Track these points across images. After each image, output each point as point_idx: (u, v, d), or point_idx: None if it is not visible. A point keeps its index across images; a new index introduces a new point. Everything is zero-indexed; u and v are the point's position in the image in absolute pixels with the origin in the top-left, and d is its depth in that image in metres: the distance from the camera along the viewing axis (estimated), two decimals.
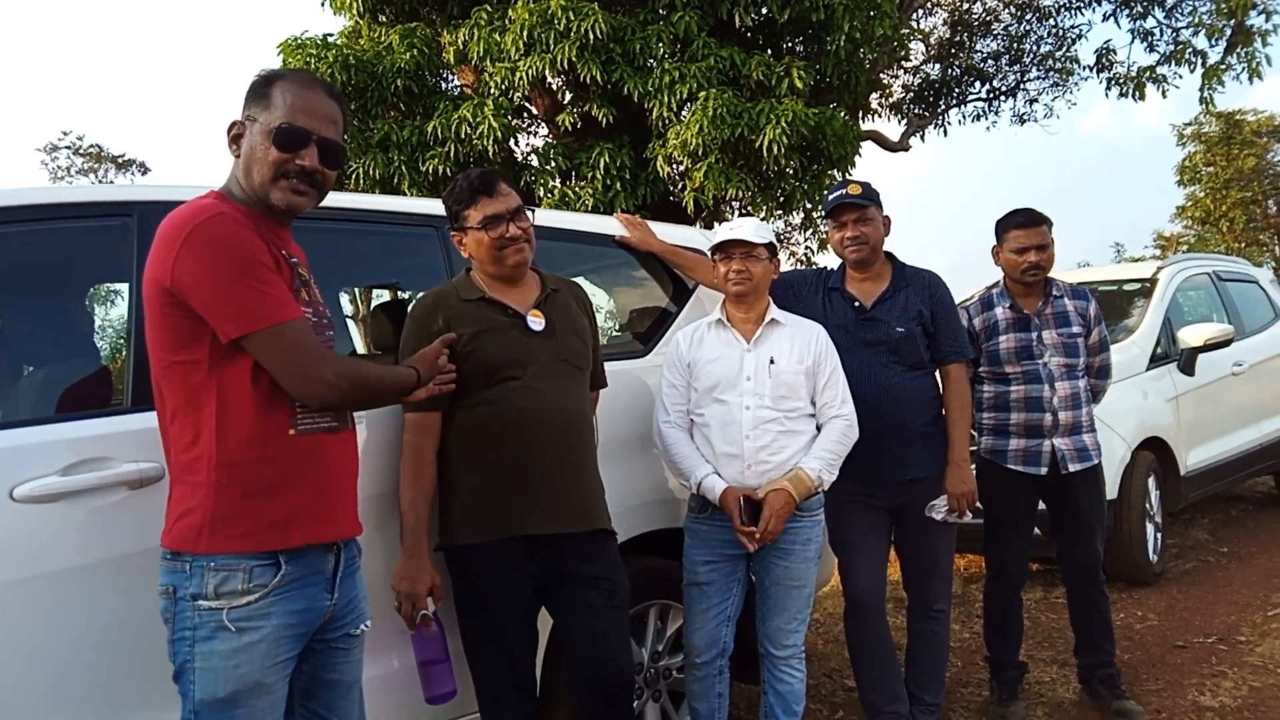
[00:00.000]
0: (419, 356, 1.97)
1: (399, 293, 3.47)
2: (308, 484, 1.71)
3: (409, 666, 2.24)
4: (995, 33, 13.16)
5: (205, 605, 1.64)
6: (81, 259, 2.36)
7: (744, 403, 2.67)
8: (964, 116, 13.37)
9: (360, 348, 5.35)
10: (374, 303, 7.66)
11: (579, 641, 2.33)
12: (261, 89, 1.75)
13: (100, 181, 22.36)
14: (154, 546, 1.76)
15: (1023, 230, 3.30)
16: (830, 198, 3.02)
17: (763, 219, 8.53)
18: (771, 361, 2.70)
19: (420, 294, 2.49)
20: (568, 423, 2.37)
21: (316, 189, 1.77)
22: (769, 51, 8.43)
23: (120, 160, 24.87)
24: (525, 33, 7.58)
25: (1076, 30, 12.69)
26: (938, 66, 13.18)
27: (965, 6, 13.21)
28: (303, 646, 1.75)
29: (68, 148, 24.55)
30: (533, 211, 2.44)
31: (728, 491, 2.64)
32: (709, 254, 2.87)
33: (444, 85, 9.51)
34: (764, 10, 8.15)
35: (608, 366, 2.68)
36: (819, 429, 2.75)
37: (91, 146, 24.75)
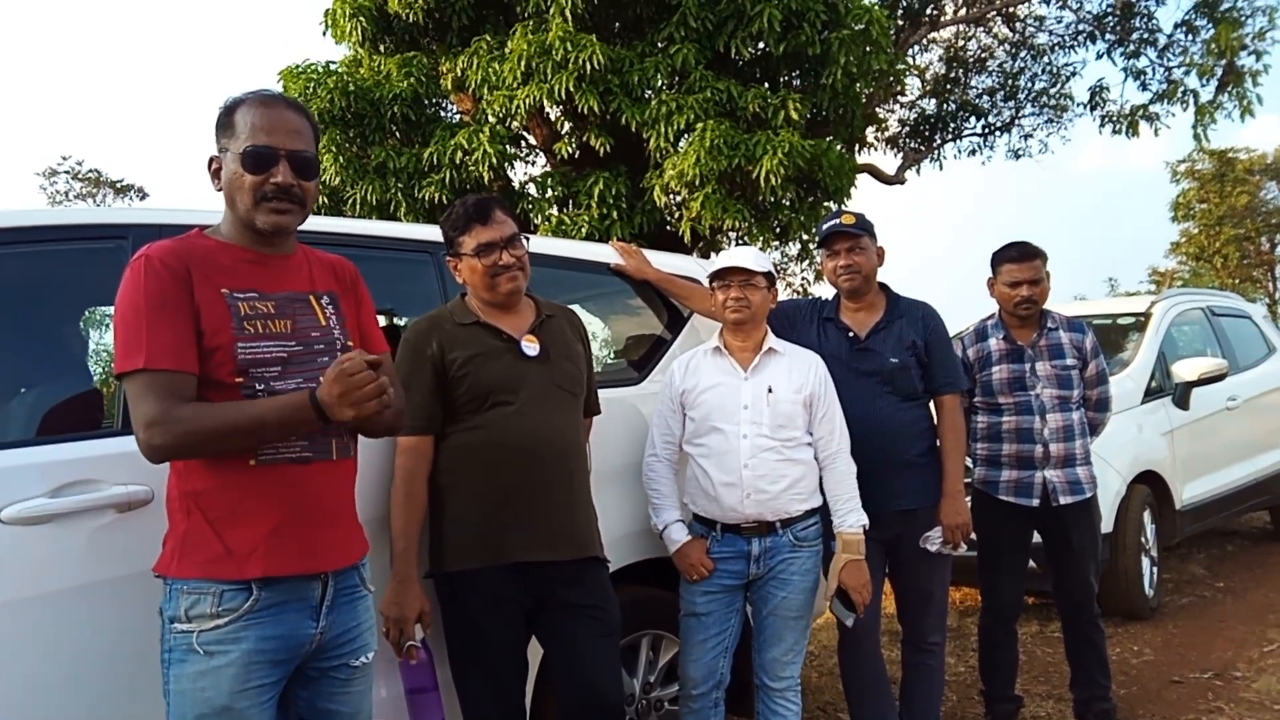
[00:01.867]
0: (324, 381, 1.62)
1: (394, 318, 3.47)
2: (270, 515, 1.68)
3: (396, 695, 2.21)
4: (990, 69, 13.32)
5: (179, 628, 1.66)
6: (76, 281, 2.36)
7: (741, 431, 2.67)
8: (959, 151, 13.51)
9: None
10: None
11: (569, 671, 2.30)
12: (225, 118, 1.77)
13: (99, 207, 22.43)
14: (142, 570, 1.76)
15: (1016, 264, 3.32)
16: (824, 227, 3.03)
17: (759, 249, 8.57)
18: (770, 390, 2.70)
19: (414, 319, 2.48)
20: (561, 449, 2.35)
21: (297, 204, 1.76)
22: (766, 84, 8.51)
23: (119, 185, 24.95)
24: (523, 63, 7.65)
25: (1070, 68, 12.88)
26: (933, 101, 13.32)
27: (961, 43, 13.39)
28: (286, 673, 1.73)
29: (66, 172, 24.63)
30: (528, 239, 2.44)
31: (689, 545, 2.68)
32: (707, 281, 2.88)
33: (442, 113, 9.59)
34: (761, 44, 8.24)
35: (602, 394, 2.67)
36: (815, 458, 2.75)
37: (90, 171, 24.83)
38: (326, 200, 8.53)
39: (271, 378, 1.70)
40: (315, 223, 2.35)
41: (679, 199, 8.11)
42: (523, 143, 9.35)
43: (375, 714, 2.12)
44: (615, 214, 8.05)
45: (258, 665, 1.66)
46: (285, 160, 1.73)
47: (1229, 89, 11.07)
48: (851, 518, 2.70)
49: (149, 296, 1.63)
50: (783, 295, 2.96)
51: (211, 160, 1.80)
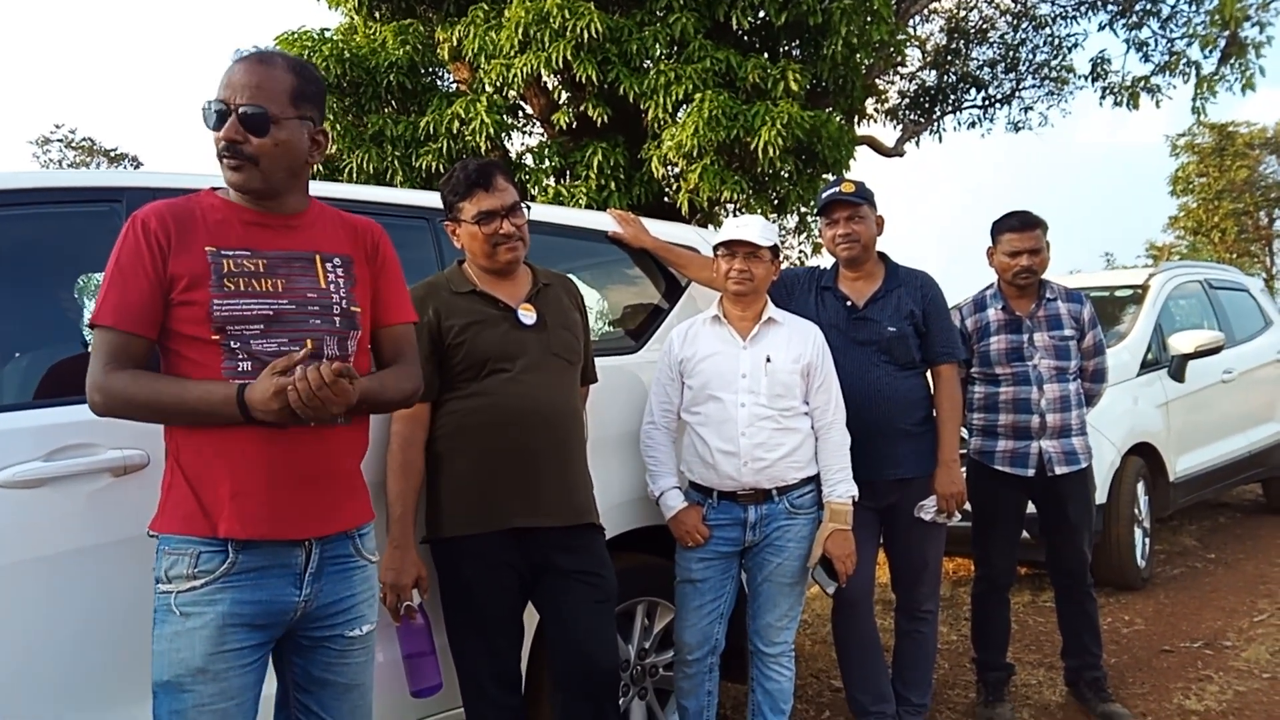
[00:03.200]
0: (260, 380, 1.61)
1: None
2: (239, 475, 1.67)
3: (394, 660, 2.23)
4: (991, 40, 13.19)
5: (160, 589, 1.68)
6: (69, 245, 2.34)
7: (739, 400, 2.67)
8: (959, 123, 13.41)
9: None
10: None
11: (564, 637, 2.32)
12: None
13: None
14: (137, 534, 1.75)
15: (1016, 233, 3.30)
16: (824, 195, 3.01)
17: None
18: (768, 360, 2.70)
19: (410, 286, 2.46)
20: (557, 416, 2.36)
21: (247, 160, 1.72)
22: (765, 54, 8.44)
23: (113, 154, 24.78)
24: (521, 31, 7.57)
25: (1072, 39, 12.75)
26: (934, 73, 13.20)
27: (962, 14, 13.25)
28: (269, 638, 1.73)
29: (60, 140, 24.46)
30: (528, 207, 2.42)
31: (685, 512, 2.69)
32: (712, 249, 2.87)
33: (439, 82, 9.50)
34: (761, 13, 8.15)
35: (599, 362, 2.67)
36: (812, 428, 2.75)
37: (84, 140, 24.65)
38: (323, 168, 8.47)
39: (252, 336, 1.69)
40: (312, 188, 2.33)
41: (677, 170, 8.05)
42: (520, 113, 9.27)
43: (375, 678, 2.14)
44: (613, 185, 8.00)
45: (234, 628, 1.66)
46: (234, 115, 1.70)
47: (1231, 61, 10.98)
48: (841, 488, 2.71)
49: (119, 257, 1.66)
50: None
51: None
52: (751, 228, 2.71)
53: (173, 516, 1.68)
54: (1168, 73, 11.56)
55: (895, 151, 12.61)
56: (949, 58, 13.09)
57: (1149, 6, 11.86)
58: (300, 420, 1.61)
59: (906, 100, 13.21)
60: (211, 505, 1.67)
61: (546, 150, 8.49)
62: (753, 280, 2.71)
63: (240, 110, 1.70)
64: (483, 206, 2.31)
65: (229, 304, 1.67)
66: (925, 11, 12.57)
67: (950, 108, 13.14)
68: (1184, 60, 11.38)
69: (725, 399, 2.68)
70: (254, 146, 1.72)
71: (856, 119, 10.04)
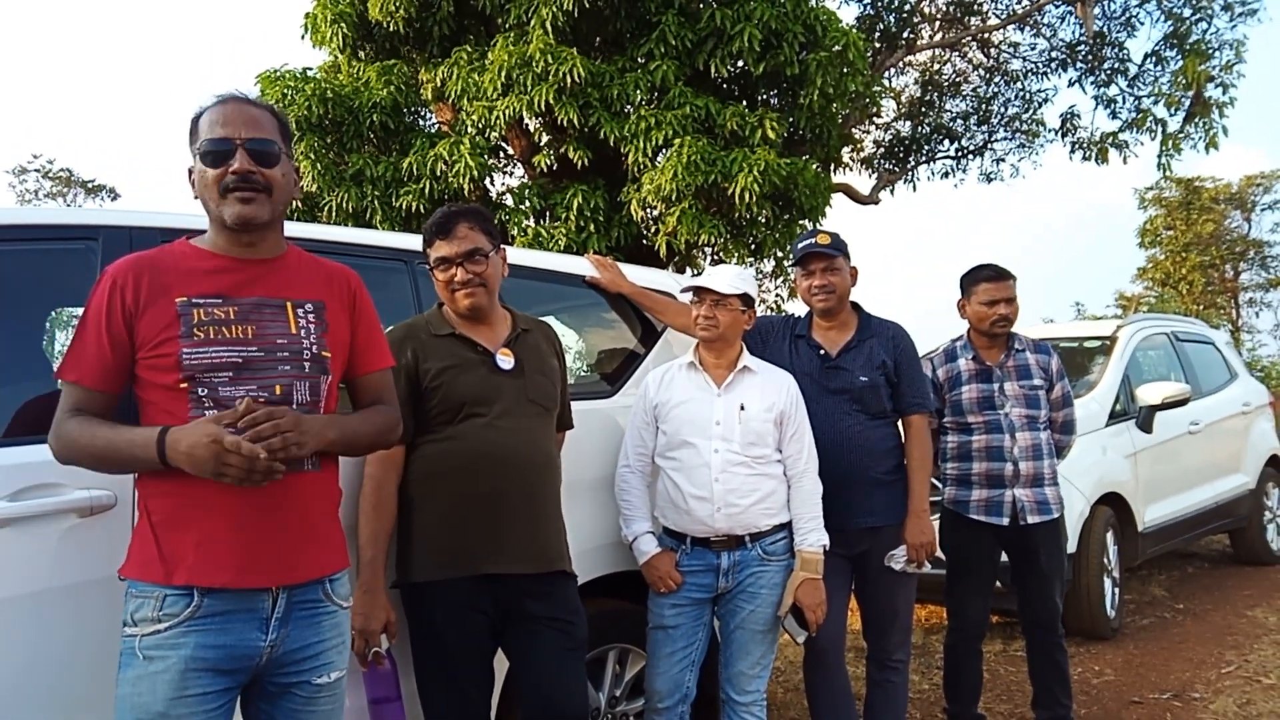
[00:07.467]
0: (189, 429, 1.60)
1: None
2: (203, 524, 1.67)
3: (360, 706, 2.19)
4: (964, 93, 13.53)
5: (126, 632, 1.67)
6: (44, 282, 2.33)
7: (713, 446, 2.69)
8: (933, 173, 13.69)
9: None
10: None
11: (533, 684, 2.29)
12: (192, 126, 1.79)
13: (69, 207, 22.10)
14: (103, 576, 1.74)
15: (992, 284, 3.37)
16: (799, 246, 3.06)
17: (739, 267, 8.61)
18: (742, 408, 2.72)
19: (389, 328, 2.47)
20: (532, 462, 2.35)
21: (263, 191, 1.75)
22: (744, 102, 8.58)
23: (90, 186, 24.66)
24: (504, 74, 7.67)
25: (1043, 94, 13.10)
26: (908, 124, 13.50)
27: (936, 67, 13.58)
28: (234, 684, 1.71)
29: (37, 171, 24.35)
30: (497, 249, 2.42)
31: (658, 558, 2.70)
32: (679, 295, 2.90)
33: (421, 122, 9.58)
34: (740, 63, 8.31)
35: (574, 406, 2.67)
36: (785, 475, 2.77)
37: (61, 171, 24.55)
38: (302, 206, 8.48)
39: (220, 383, 1.69)
40: (291, 229, 2.33)
41: (656, 214, 8.14)
42: (501, 154, 9.35)
43: None
44: (592, 227, 8.07)
45: (197, 673, 1.64)
46: (242, 149, 1.73)
47: (1196, 119, 11.30)
48: (813, 536, 2.72)
49: (88, 313, 1.71)
50: (758, 312, 2.98)
51: (190, 170, 1.80)
52: (717, 276, 2.76)
53: (135, 562, 1.70)
54: (1135, 129, 11.89)
55: (870, 199, 12.82)
56: (923, 109, 13.39)
57: (1117, 65, 12.23)
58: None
59: (882, 150, 13.48)
60: (171, 553, 1.66)
61: (527, 191, 8.55)
62: (717, 326, 2.75)
63: (248, 143, 1.74)
64: (440, 253, 2.36)
65: (198, 352, 1.69)
66: (900, 64, 12.88)
67: (924, 158, 13.41)
68: (1151, 118, 11.71)
69: (699, 445, 2.70)
70: (266, 178, 1.76)
71: (833, 167, 10.21)
